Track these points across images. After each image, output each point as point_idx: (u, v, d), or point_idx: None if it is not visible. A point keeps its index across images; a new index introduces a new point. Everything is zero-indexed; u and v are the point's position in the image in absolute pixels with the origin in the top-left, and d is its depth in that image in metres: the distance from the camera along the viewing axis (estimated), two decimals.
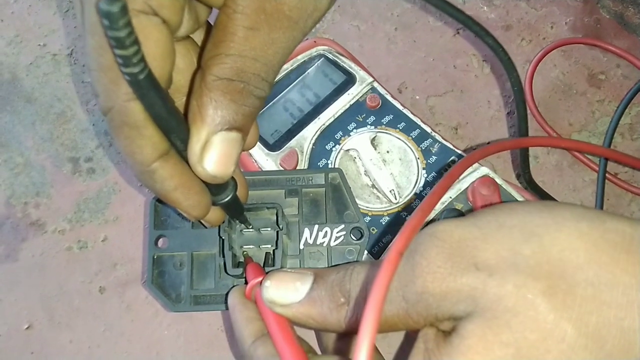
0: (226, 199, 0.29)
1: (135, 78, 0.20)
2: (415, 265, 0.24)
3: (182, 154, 0.25)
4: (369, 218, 0.40)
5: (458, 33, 0.53)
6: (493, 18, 0.54)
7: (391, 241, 0.39)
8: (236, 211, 0.31)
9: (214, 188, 0.28)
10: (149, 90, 0.21)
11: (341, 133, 0.43)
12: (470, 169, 0.41)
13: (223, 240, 0.33)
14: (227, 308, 0.32)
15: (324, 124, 0.43)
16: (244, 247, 0.34)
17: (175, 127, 0.24)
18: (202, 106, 0.23)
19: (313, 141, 0.42)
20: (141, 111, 0.23)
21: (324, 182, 0.35)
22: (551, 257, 0.22)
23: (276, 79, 0.44)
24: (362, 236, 0.34)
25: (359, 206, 0.40)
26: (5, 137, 0.49)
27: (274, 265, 0.33)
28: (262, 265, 0.33)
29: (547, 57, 0.52)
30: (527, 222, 0.23)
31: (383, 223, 0.40)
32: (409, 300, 0.24)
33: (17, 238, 0.46)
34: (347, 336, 0.31)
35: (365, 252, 0.38)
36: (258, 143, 0.43)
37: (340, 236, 0.34)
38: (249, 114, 0.24)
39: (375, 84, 0.44)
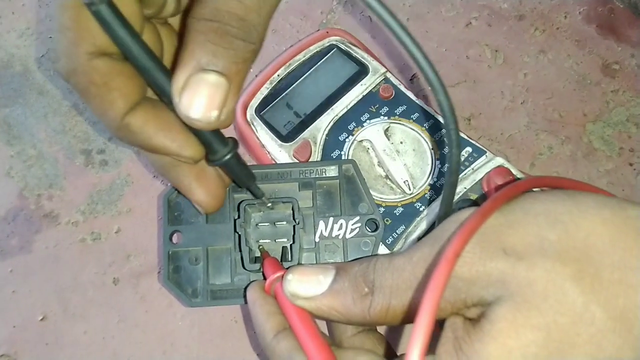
0: (224, 158, 0.27)
1: (96, 8, 0.20)
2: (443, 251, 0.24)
3: (164, 100, 0.24)
4: (382, 209, 0.40)
5: (470, 23, 0.53)
6: (506, 8, 0.53)
7: (405, 232, 0.39)
8: (240, 175, 0.30)
9: (210, 145, 0.27)
10: (113, 20, 0.21)
11: (354, 124, 0.42)
12: (484, 159, 0.41)
13: (239, 235, 0.33)
14: (245, 302, 0.32)
15: (337, 115, 0.43)
16: (260, 241, 0.34)
17: (151, 66, 0.23)
18: (182, 49, 0.23)
19: (326, 132, 0.42)
20: (105, 66, 0.23)
21: (337, 174, 0.35)
22: (577, 243, 0.22)
23: (289, 69, 0.44)
24: (377, 228, 0.34)
25: (373, 197, 0.40)
26: (17, 129, 0.49)
27: (291, 260, 0.33)
28: (279, 259, 0.33)
29: (560, 47, 0.52)
30: (550, 209, 0.24)
31: (397, 214, 0.40)
32: None
33: (31, 230, 0.46)
34: (361, 332, 0.31)
35: (380, 243, 0.37)
36: (271, 134, 0.43)
37: (356, 228, 0.34)
38: (231, 59, 0.23)
39: (388, 75, 0.44)
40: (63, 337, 0.44)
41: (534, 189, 0.32)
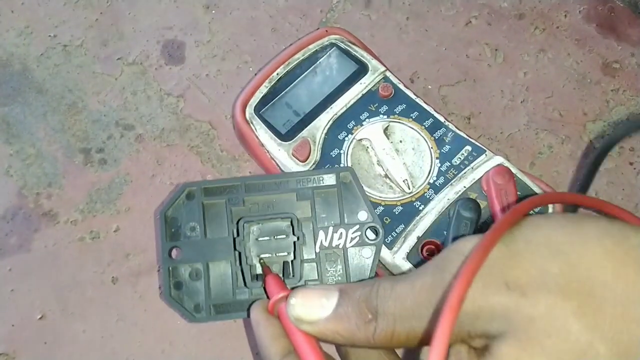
0: None
1: None
2: (446, 283, 0.24)
3: None
4: (382, 208, 0.40)
5: (470, 22, 0.53)
6: (506, 7, 0.53)
7: (404, 231, 0.39)
8: None
9: None
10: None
11: (354, 123, 0.42)
12: (484, 158, 0.41)
13: (240, 253, 0.33)
14: (247, 316, 0.32)
15: (336, 114, 0.43)
16: (261, 255, 0.34)
17: None
18: None
19: (325, 131, 0.42)
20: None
21: (335, 182, 0.34)
22: (579, 276, 0.22)
23: (288, 68, 0.44)
24: (377, 235, 0.34)
25: (372, 196, 0.40)
26: (16, 128, 0.49)
27: (293, 276, 0.33)
28: (280, 273, 0.33)
29: (560, 46, 0.52)
30: (552, 238, 0.23)
31: (396, 213, 0.40)
32: None
33: (30, 228, 0.46)
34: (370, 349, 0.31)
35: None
36: (270, 133, 0.43)
37: (356, 237, 0.34)
38: None
39: (388, 73, 0.44)
40: (62, 336, 0.43)
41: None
